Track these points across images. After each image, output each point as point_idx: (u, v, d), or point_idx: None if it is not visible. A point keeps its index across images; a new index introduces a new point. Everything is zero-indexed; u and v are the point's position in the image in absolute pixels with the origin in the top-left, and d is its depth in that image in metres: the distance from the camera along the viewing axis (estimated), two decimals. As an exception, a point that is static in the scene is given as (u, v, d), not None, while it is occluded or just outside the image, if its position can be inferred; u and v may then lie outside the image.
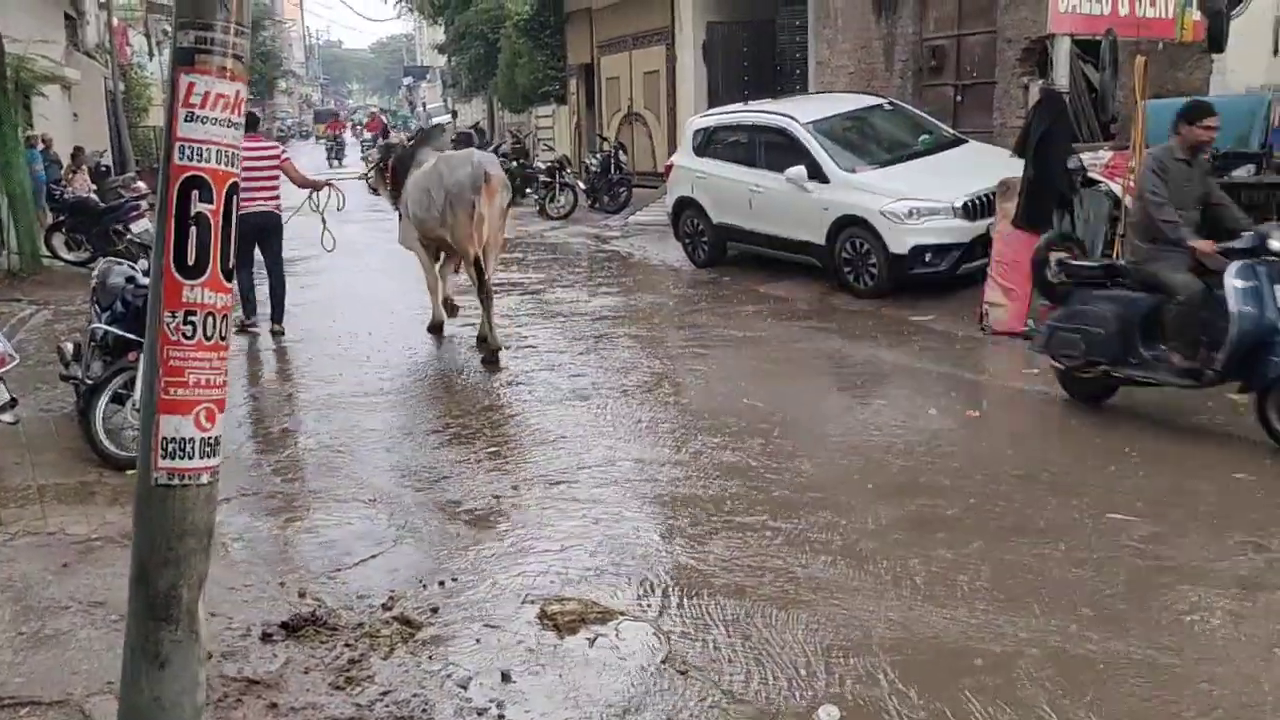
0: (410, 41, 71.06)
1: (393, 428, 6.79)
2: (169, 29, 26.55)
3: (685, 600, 4.24)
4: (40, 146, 15.50)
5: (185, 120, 1.96)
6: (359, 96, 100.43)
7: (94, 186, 15.72)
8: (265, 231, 9.31)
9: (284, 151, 9.90)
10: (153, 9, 28.13)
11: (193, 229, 1.96)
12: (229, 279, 2.04)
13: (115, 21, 23.43)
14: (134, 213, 12.90)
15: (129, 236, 9.58)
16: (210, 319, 2.02)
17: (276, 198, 9.50)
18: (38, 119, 15.19)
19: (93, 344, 6.30)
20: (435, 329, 9.39)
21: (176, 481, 2.02)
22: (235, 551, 4.96)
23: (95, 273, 7.03)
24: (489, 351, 8.41)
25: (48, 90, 14.43)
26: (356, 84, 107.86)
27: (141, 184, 15.47)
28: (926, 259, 9.64)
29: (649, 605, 4.22)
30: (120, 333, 6.08)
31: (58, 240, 13.87)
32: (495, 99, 30.72)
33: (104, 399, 5.98)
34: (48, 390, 7.35)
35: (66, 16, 19.08)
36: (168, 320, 1.99)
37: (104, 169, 18.40)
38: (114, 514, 5.18)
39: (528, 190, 20.28)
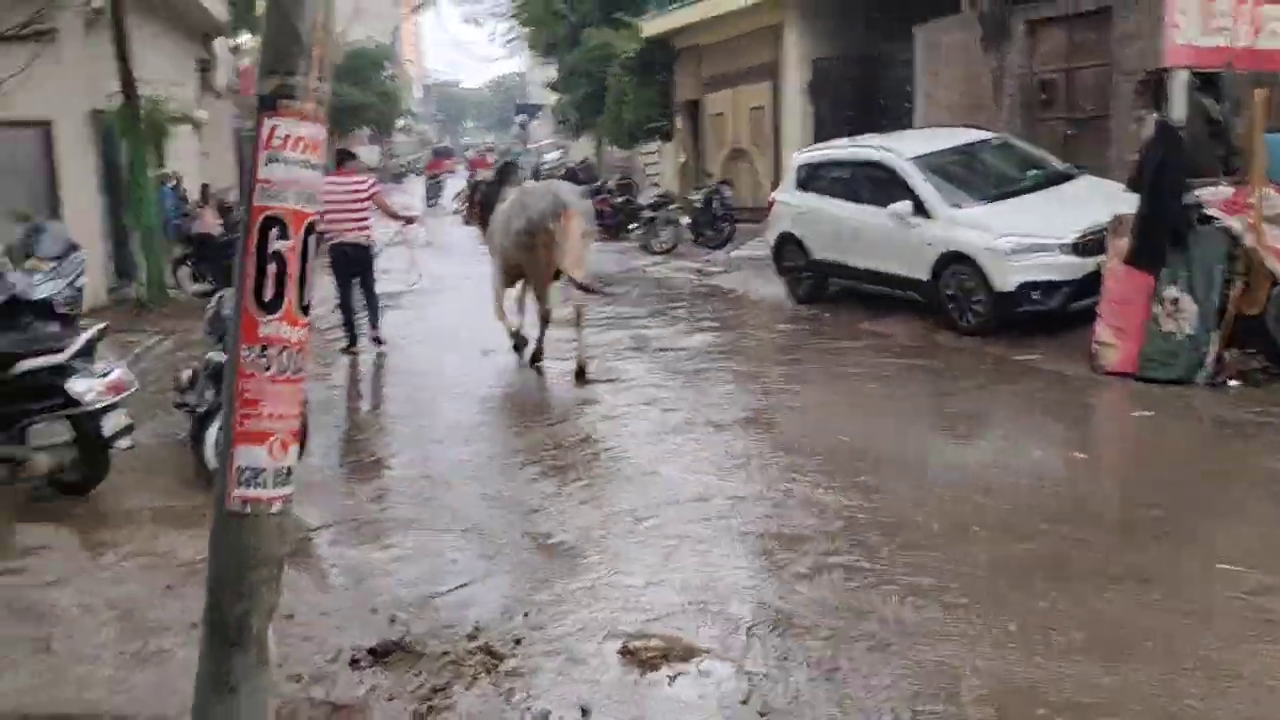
0: (523, 80, 72.61)
1: (487, 458, 6.89)
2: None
3: (770, 640, 4.19)
4: (171, 184, 16.28)
5: (267, 162, 2.05)
6: (474, 134, 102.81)
7: (220, 221, 16.44)
8: (357, 261, 10.08)
9: (375, 184, 10.53)
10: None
11: (271, 266, 2.05)
12: (305, 314, 2.12)
13: (244, 65, 24.52)
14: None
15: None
16: (285, 353, 2.10)
17: (367, 228, 10.18)
18: (170, 158, 15.96)
19: (206, 372, 6.56)
20: (517, 347, 9.87)
21: (250, 510, 2.10)
22: (331, 577, 5.09)
23: (211, 303, 7.33)
24: (535, 362, 9.34)
25: (179, 130, 15.15)
26: (471, 121, 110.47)
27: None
28: (1034, 296, 9.39)
29: (733, 644, 4.18)
30: (231, 362, 6.31)
31: (183, 273, 14.52)
32: (603, 136, 31.15)
33: (215, 425, 6.21)
34: (165, 416, 7.66)
35: (199, 61, 20.07)
36: (244, 354, 2.08)
37: (229, 205, 19.24)
38: (219, 537, 5.36)
39: (631, 226, 20.48)
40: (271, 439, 2.10)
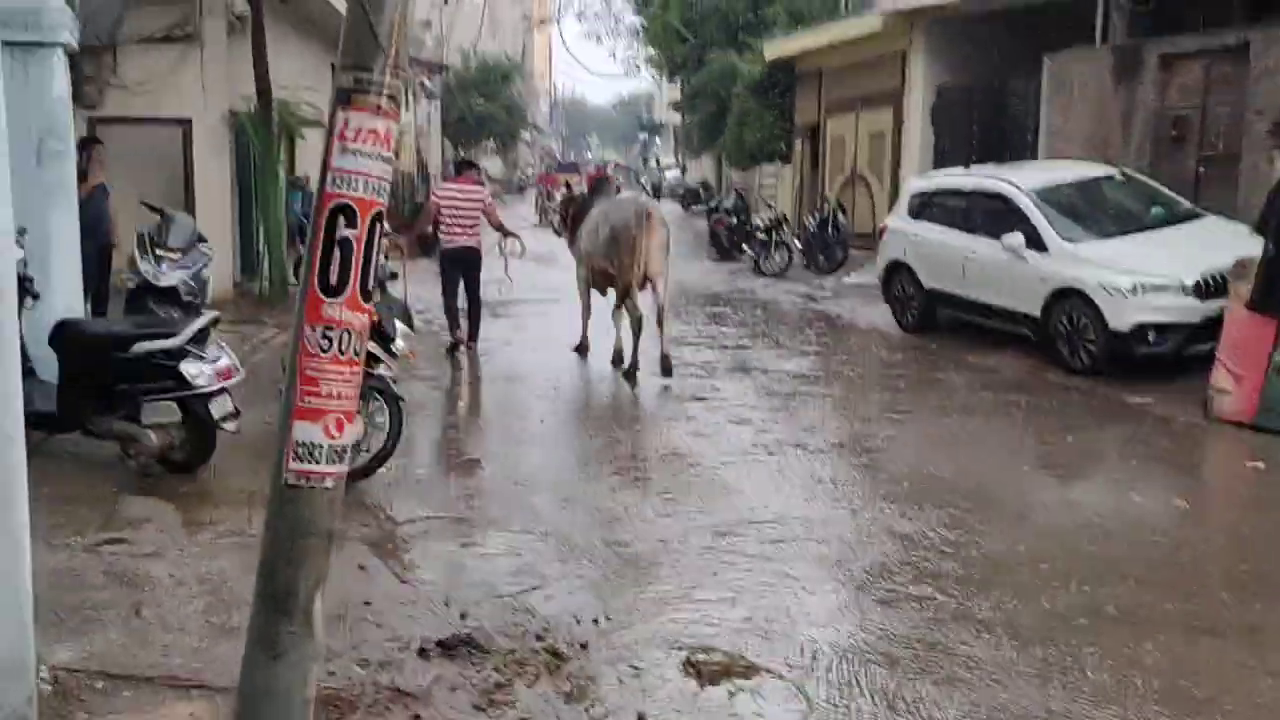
0: (650, 99, 73.33)
1: (573, 464, 6.98)
2: (425, 81, 28.42)
3: (835, 665, 4.14)
4: (303, 186, 16.88)
5: (339, 153, 2.14)
6: (597, 150, 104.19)
7: (343, 223, 16.94)
8: (468, 264, 10.66)
9: (488, 196, 11.19)
10: (413, 62, 30.25)
11: (337, 252, 2.14)
12: (367, 300, 2.21)
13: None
14: (373, 248, 13.85)
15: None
16: (346, 335, 2.18)
17: (477, 234, 10.77)
18: (301, 161, 16.57)
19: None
20: (581, 350, 10.52)
21: (304, 483, 2.18)
22: (412, 569, 5.21)
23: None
24: (631, 373, 9.50)
25: (311, 133, 15.73)
26: (596, 137, 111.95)
27: (386, 223, 16.59)
28: (1150, 338, 9.07)
29: (797, 666, 4.14)
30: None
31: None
32: (724, 156, 31.22)
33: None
34: (271, 405, 7.92)
35: (332, 66, 20.81)
36: (308, 334, 2.17)
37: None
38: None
39: (744, 246, 20.46)
40: (328, 417, 2.19)
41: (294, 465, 2.20)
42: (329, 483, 2.26)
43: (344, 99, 2.14)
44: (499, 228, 11.07)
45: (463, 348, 10.78)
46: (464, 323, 10.86)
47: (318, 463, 2.20)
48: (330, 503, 2.26)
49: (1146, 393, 8.75)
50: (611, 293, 10.00)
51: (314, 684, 2.33)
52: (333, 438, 2.21)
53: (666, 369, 9.47)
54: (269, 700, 2.22)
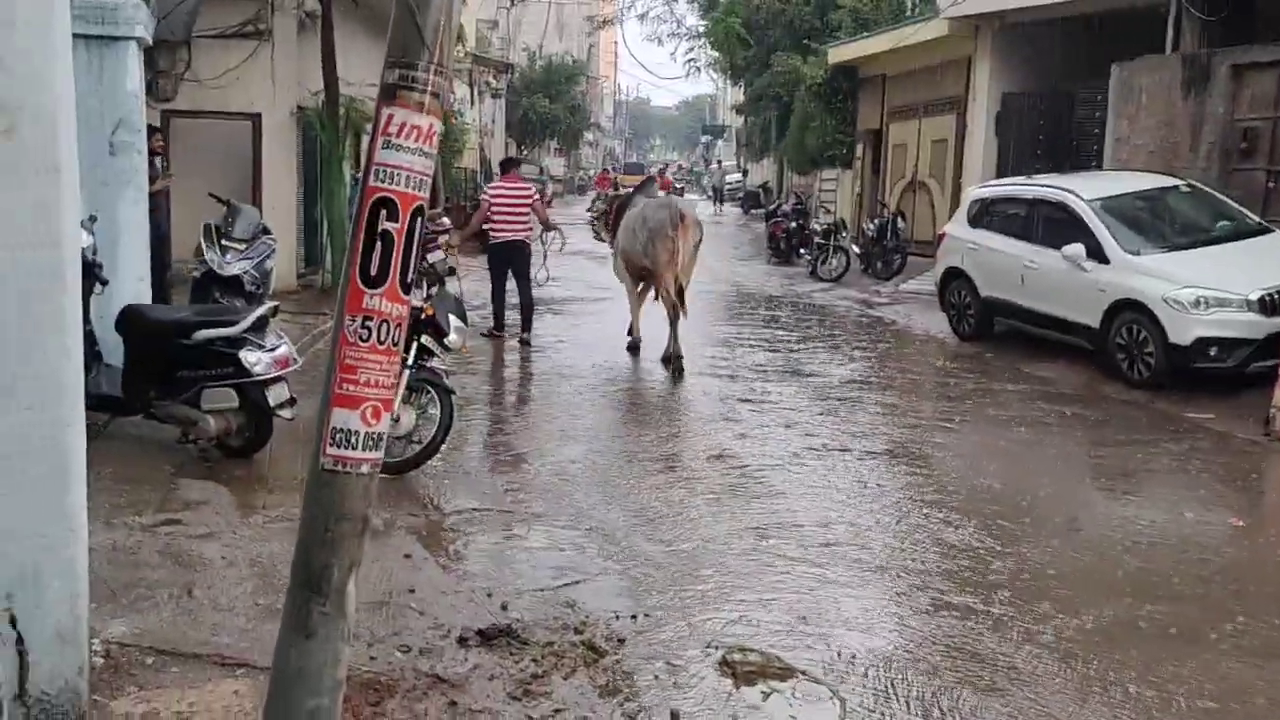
0: (713, 101, 73.29)
1: (619, 462, 7.02)
2: (491, 80, 28.67)
3: (871, 671, 4.14)
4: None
5: (383, 147, 2.21)
6: (660, 151, 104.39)
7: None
8: (516, 257, 11.22)
9: (536, 192, 11.88)
10: (478, 61, 30.54)
11: (378, 244, 2.20)
12: (406, 292, 2.27)
13: (443, 70, 25.53)
14: (432, 244, 14.00)
15: (425, 264, 10.52)
16: (385, 326, 2.24)
17: (528, 229, 11.40)
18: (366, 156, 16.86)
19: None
20: (633, 348, 10.71)
21: (340, 469, 2.25)
22: (456, 560, 5.30)
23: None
24: (675, 363, 9.76)
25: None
26: (659, 139, 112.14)
27: (446, 219, 16.76)
28: (1211, 353, 8.89)
29: (832, 669, 4.15)
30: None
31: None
32: (785, 160, 31.13)
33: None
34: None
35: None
36: (348, 323, 2.23)
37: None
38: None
39: (801, 251, 20.38)
40: (365, 405, 2.25)
41: (331, 451, 2.27)
42: (365, 469, 2.32)
43: (389, 95, 2.21)
44: (545, 222, 11.76)
45: (504, 337, 11.29)
46: (515, 317, 11.33)
47: (354, 449, 2.26)
48: (365, 488, 2.32)
49: (1206, 408, 8.59)
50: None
51: (344, 665, 2.39)
52: (369, 425, 2.27)
53: (679, 370, 9.71)
54: (300, 679, 2.29)
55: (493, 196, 11.40)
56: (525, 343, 11.11)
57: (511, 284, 11.36)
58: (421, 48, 2.14)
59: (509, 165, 12.36)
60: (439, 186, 23.39)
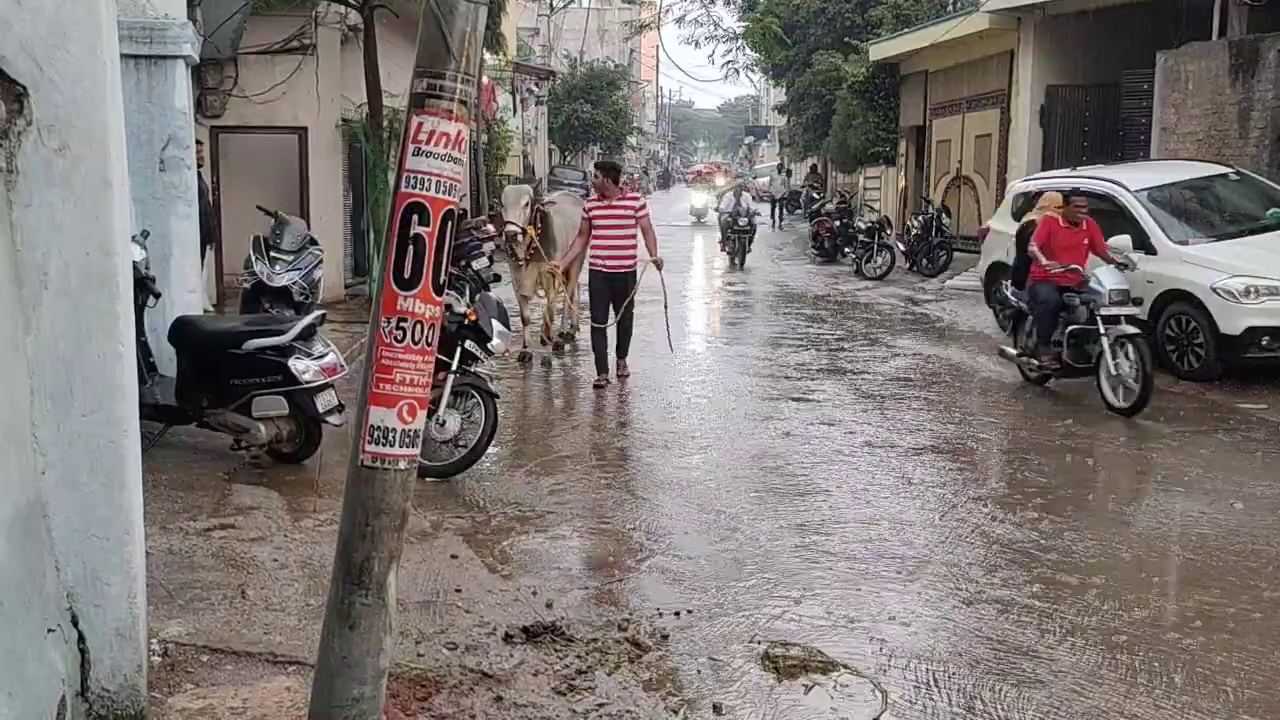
0: (756, 103, 73.14)
1: (663, 463, 7.06)
2: (534, 88, 28.85)
3: (913, 663, 4.15)
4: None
5: (413, 154, 2.28)
6: (703, 154, 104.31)
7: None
8: (621, 288, 9.39)
9: (643, 206, 9.60)
10: (520, 69, 30.78)
11: (410, 248, 2.28)
12: (438, 293, 2.34)
13: (485, 80, 25.84)
14: (476, 251, 14.13)
15: (470, 272, 10.59)
16: (419, 326, 2.32)
17: (634, 256, 9.44)
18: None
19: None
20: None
21: (379, 465, 2.32)
22: (503, 558, 5.37)
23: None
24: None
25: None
26: (703, 141, 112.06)
27: (490, 227, 16.89)
28: (1263, 342, 8.76)
29: (874, 663, 4.16)
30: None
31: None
32: (828, 159, 31.01)
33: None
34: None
35: (443, 75, 21.34)
36: (383, 325, 2.31)
37: (462, 212, 20.30)
38: (406, 513, 5.76)
39: (846, 249, 20.31)
40: (401, 403, 2.32)
41: (369, 448, 2.34)
42: (402, 464, 2.39)
43: (418, 103, 2.28)
44: (652, 249, 9.35)
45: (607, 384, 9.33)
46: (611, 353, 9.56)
47: (391, 446, 2.34)
48: (403, 483, 2.40)
49: (1259, 399, 8.47)
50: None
51: (388, 655, 2.47)
52: (405, 422, 2.34)
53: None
54: (344, 668, 2.37)
55: (592, 215, 9.45)
56: (621, 377, 9.49)
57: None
58: (449, 57, 2.21)
59: (607, 171, 9.79)
60: (483, 195, 23.62)
